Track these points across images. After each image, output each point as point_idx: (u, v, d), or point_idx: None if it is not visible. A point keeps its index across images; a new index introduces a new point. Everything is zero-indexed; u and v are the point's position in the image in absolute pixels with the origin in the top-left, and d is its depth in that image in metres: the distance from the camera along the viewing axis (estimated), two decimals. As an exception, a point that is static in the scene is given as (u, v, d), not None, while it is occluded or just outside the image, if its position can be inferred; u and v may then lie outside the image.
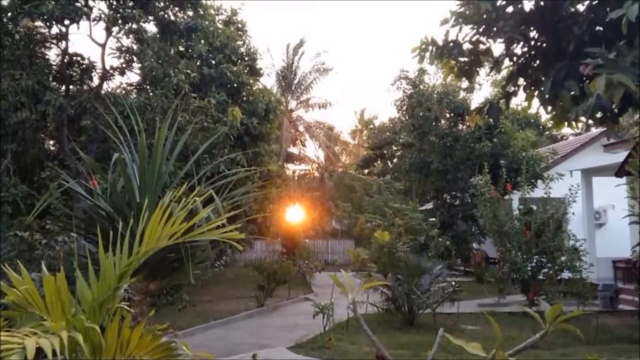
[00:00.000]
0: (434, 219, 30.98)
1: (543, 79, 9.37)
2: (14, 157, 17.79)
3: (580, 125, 11.08)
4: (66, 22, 17.75)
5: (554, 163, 29.58)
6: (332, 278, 5.14)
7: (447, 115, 35.23)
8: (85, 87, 19.54)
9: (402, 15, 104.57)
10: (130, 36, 19.05)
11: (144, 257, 4.19)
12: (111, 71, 19.72)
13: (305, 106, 56.66)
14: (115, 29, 18.79)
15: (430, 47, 10.09)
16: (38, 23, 18.15)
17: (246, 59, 26.88)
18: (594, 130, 31.00)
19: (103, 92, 19.26)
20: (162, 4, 19.38)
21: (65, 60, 19.07)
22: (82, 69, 19.62)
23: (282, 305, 23.77)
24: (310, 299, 21.83)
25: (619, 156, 19.45)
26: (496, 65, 10.15)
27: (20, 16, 17.21)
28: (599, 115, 8.65)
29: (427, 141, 34.27)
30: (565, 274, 20.05)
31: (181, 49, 22.90)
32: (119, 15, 18.19)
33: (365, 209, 36.69)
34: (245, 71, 25.30)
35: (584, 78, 8.03)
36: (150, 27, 19.74)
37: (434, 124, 34.14)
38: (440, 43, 10.01)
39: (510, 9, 9.43)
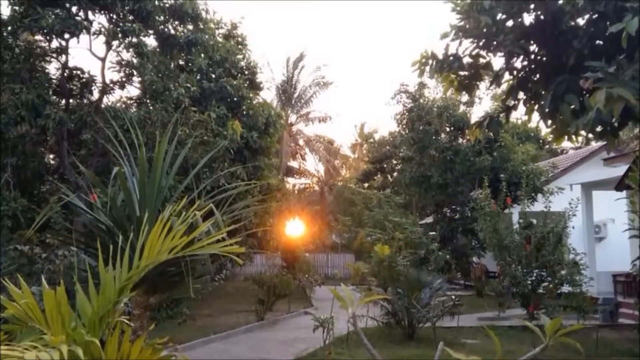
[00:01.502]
0: (434, 232, 30.91)
1: (543, 92, 9.41)
2: (14, 171, 17.79)
3: (580, 139, 11.13)
4: (66, 36, 17.82)
5: (554, 177, 29.57)
6: (332, 292, 5.13)
7: (447, 129, 35.27)
8: (85, 100, 19.59)
9: (403, 29, 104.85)
10: (130, 50, 19.09)
11: (144, 271, 4.19)
12: (111, 85, 19.77)
13: (305, 120, 56.66)
14: (115, 43, 18.83)
15: (430, 61, 10.13)
16: (38, 37, 18.21)
17: (246, 72, 26.87)
18: (594, 144, 31.04)
19: (103, 105, 19.29)
20: (162, 17, 19.45)
21: (65, 74, 19.12)
22: (82, 82, 19.67)
23: (282, 319, 23.69)
24: (311, 313, 21.77)
25: (619, 170, 19.46)
26: (496, 79, 10.19)
27: (20, 30, 17.25)
28: (599, 129, 8.69)
29: (427, 155, 34.27)
30: (565, 288, 20.00)
31: (181, 62, 22.93)
32: (119, 29, 18.24)
33: (365, 223, 36.60)
34: (245, 85, 25.28)
35: (584, 92, 8.06)
36: (150, 41, 19.83)
37: (434, 137, 34.16)
38: (441, 57, 10.05)
39: (510, 23, 9.46)
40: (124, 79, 19.81)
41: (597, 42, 8.86)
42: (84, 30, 17.67)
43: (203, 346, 17.64)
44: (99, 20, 18.72)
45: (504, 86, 10.64)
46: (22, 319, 3.93)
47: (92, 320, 3.93)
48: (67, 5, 17.59)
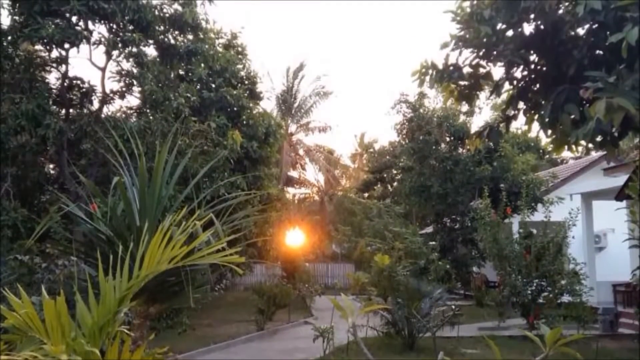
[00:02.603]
0: (434, 242, 30.77)
1: (543, 102, 9.40)
2: (14, 181, 17.79)
3: (580, 148, 11.11)
4: (66, 45, 17.82)
5: (554, 187, 29.54)
6: (332, 302, 5.13)
7: (447, 139, 35.22)
8: (85, 110, 19.58)
9: (403, 39, 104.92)
10: (130, 60, 19.10)
11: (144, 281, 4.18)
12: (111, 95, 19.78)
13: (305, 130, 56.65)
14: (115, 53, 18.85)
15: (430, 71, 10.13)
16: (38, 47, 18.21)
17: (246, 82, 26.88)
18: (594, 154, 30.93)
19: (103, 115, 19.30)
20: (162, 27, 19.46)
21: (65, 84, 19.12)
22: (82, 92, 19.66)
23: (282, 328, 23.67)
24: (310, 323, 21.71)
25: (619, 180, 19.45)
26: (496, 88, 10.19)
27: (20, 40, 17.25)
28: (599, 138, 8.68)
29: (427, 165, 34.23)
30: (566, 298, 20.00)
31: (181, 72, 22.95)
32: (119, 39, 18.26)
33: (365, 233, 36.58)
34: (245, 95, 25.29)
35: (584, 102, 8.06)
36: (150, 51, 19.83)
37: (434, 147, 34.10)
38: (441, 67, 10.05)
39: (510, 33, 9.47)
40: (124, 89, 19.83)
41: (597, 52, 8.87)
42: (84, 40, 17.71)
43: (203, 356, 17.62)
44: (99, 30, 18.77)
45: (504, 96, 10.63)
46: (22, 328, 3.92)
47: (92, 330, 3.92)
48: (67, 15, 17.60)
